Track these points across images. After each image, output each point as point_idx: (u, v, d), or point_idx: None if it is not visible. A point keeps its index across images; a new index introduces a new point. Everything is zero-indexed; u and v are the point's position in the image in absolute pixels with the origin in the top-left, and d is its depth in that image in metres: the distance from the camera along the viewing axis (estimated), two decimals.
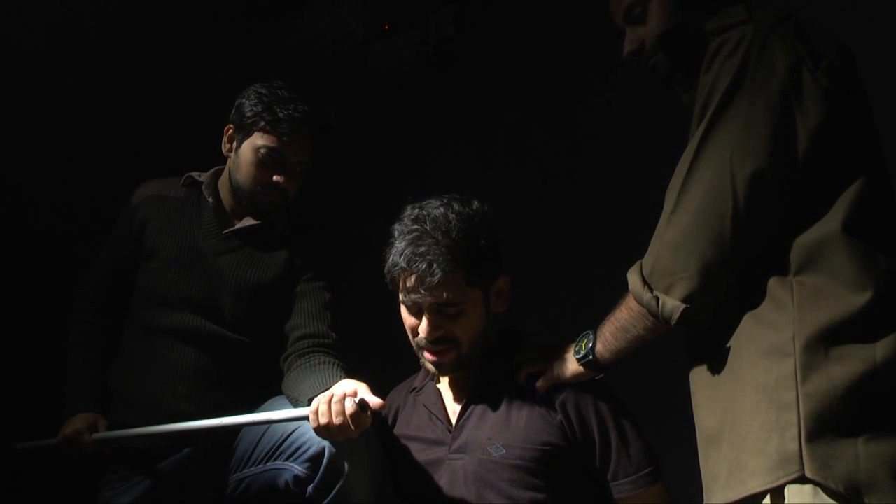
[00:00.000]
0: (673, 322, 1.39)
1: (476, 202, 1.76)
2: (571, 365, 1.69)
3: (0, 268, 2.61)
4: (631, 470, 1.69)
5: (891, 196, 1.42)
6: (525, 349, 1.80)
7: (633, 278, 1.46)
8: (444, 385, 1.86)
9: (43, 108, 2.64)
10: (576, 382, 1.71)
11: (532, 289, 2.39)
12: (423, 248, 1.66)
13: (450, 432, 1.77)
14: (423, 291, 1.65)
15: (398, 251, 1.68)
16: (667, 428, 1.88)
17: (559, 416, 1.71)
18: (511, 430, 1.71)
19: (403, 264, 1.66)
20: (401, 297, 1.73)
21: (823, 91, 1.35)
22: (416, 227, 1.69)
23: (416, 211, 1.72)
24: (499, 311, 1.80)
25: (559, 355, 1.72)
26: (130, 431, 1.89)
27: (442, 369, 1.76)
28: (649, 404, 2.01)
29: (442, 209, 1.71)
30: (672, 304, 1.38)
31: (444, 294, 1.65)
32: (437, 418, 1.80)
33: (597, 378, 1.71)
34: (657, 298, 1.41)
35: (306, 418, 1.62)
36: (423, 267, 1.64)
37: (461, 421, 1.77)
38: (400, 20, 3.15)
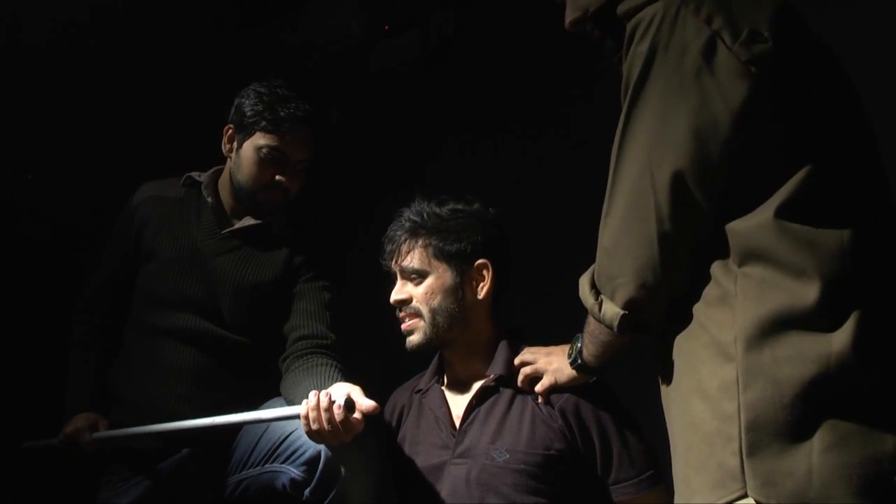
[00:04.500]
0: (616, 329, 1.32)
1: (477, 203, 1.86)
2: (567, 369, 1.67)
3: (2, 269, 2.61)
4: (633, 473, 1.69)
5: (849, 172, 1.24)
6: (526, 351, 1.79)
7: (582, 283, 1.40)
8: (448, 387, 1.86)
9: (43, 110, 2.64)
10: (575, 386, 1.70)
11: (534, 288, 2.38)
12: (402, 221, 1.85)
13: (453, 436, 1.77)
14: (393, 256, 1.84)
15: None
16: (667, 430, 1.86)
17: (560, 421, 1.71)
18: (514, 434, 1.71)
19: (386, 234, 1.86)
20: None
21: (743, 65, 1.19)
22: (408, 208, 1.87)
23: (420, 197, 1.88)
24: (479, 298, 1.81)
25: (557, 360, 1.70)
26: (129, 430, 1.89)
27: (408, 338, 1.81)
28: (650, 406, 2.00)
29: (436, 200, 1.86)
30: (612, 311, 1.31)
31: (408, 258, 1.81)
32: (441, 422, 1.80)
33: (591, 381, 1.70)
34: (599, 305, 1.34)
35: (298, 416, 1.61)
36: (397, 234, 1.83)
37: (464, 425, 1.77)
38: (400, 20, 3.15)
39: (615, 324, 1.31)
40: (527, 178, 3.00)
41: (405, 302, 1.81)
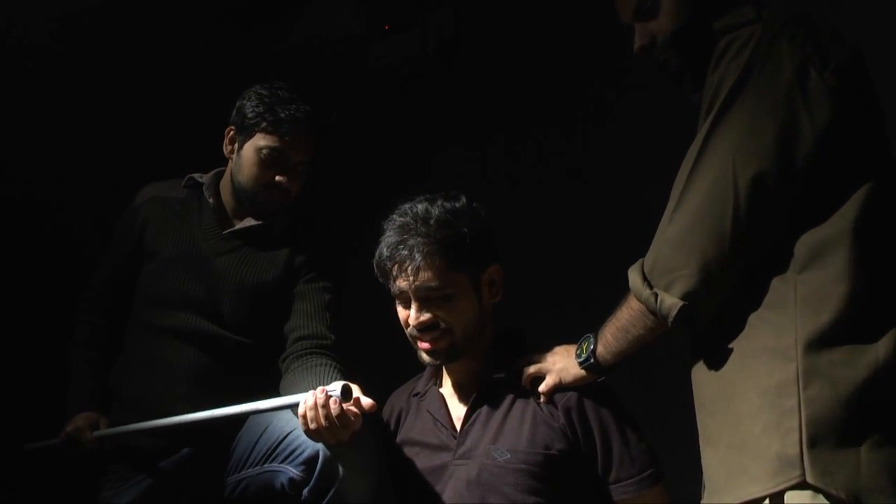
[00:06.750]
0: (670, 319, 1.39)
1: (463, 198, 1.79)
2: (573, 369, 1.68)
3: (3, 269, 2.61)
4: (633, 472, 1.69)
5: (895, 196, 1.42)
6: (527, 352, 1.79)
7: (633, 275, 1.46)
8: (447, 389, 1.85)
9: (45, 112, 2.64)
10: (578, 386, 1.70)
11: (535, 289, 2.38)
12: (404, 237, 1.71)
13: (454, 438, 1.76)
14: (405, 279, 1.70)
15: (383, 243, 1.75)
16: (668, 429, 1.87)
17: (562, 421, 1.71)
18: (515, 434, 1.71)
19: (387, 254, 1.72)
20: (391, 290, 1.76)
21: (831, 91, 1.34)
22: (399, 219, 1.74)
23: (403, 206, 1.78)
24: (493, 301, 1.80)
25: (561, 359, 1.71)
26: (129, 427, 1.90)
27: (436, 356, 1.75)
28: (651, 405, 2.00)
29: (426, 203, 1.76)
30: (670, 302, 1.38)
31: (426, 278, 1.69)
32: (442, 424, 1.79)
33: (598, 381, 1.70)
34: (656, 295, 1.40)
35: (295, 405, 1.62)
36: (405, 254, 1.69)
37: (466, 426, 1.76)
38: (400, 20, 3.15)
39: (672, 314, 1.38)
40: (529, 178, 3.01)
41: (433, 325, 1.71)
